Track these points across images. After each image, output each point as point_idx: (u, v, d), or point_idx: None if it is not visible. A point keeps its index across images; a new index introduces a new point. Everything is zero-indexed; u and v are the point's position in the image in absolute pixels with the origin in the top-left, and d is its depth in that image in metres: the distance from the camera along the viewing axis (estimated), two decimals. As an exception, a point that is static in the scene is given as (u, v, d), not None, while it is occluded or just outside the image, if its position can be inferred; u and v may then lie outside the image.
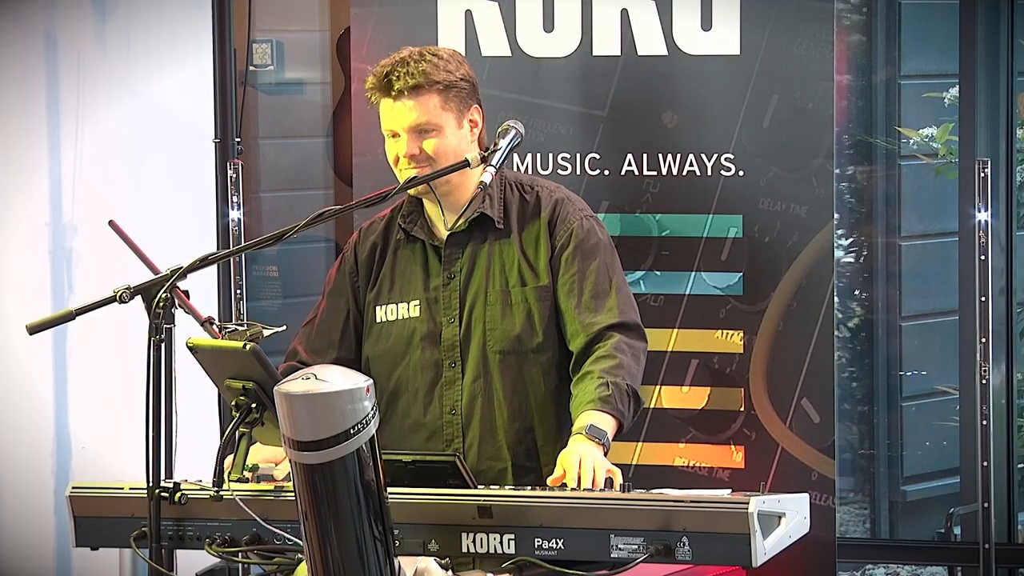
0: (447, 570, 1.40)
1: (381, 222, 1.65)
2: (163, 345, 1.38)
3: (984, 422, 1.99)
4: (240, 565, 2.08)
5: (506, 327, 1.58)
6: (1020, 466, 2.23)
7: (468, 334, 1.58)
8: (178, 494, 1.40)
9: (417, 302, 1.60)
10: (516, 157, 1.97)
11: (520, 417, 1.59)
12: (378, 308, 1.62)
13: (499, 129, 1.59)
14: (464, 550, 1.37)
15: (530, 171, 1.98)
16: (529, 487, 1.46)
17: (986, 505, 1.98)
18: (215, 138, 2.25)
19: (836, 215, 1.96)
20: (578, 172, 1.96)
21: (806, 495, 1.40)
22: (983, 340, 1.98)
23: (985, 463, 1.98)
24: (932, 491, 2.47)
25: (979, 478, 1.99)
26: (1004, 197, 2.18)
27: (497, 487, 1.45)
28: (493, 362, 1.58)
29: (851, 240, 2.44)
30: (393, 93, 1.56)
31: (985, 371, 1.98)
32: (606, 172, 1.96)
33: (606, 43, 1.94)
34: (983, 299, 1.99)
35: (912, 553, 2.30)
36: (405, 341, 1.60)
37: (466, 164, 1.56)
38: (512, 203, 1.61)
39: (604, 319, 1.56)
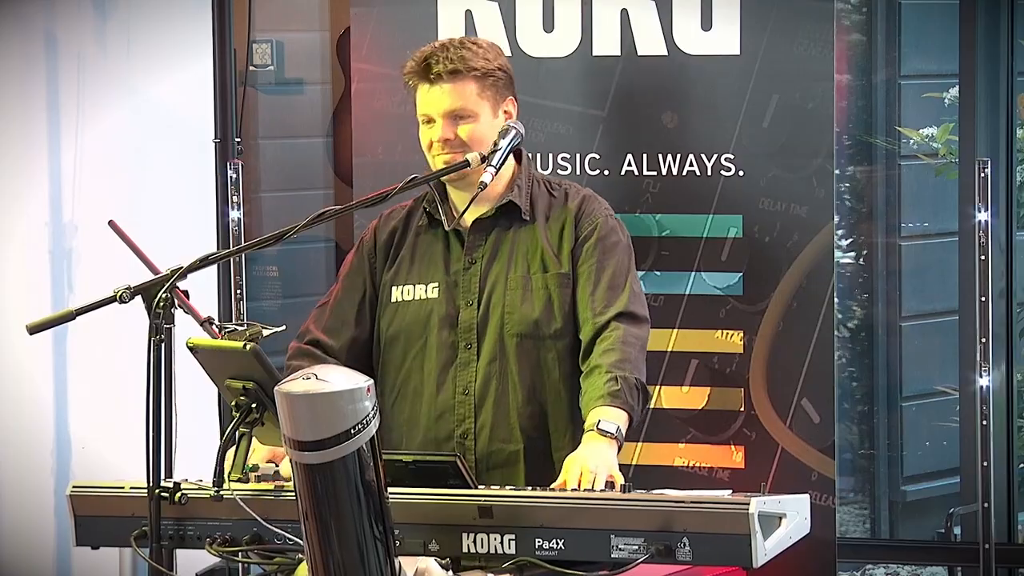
0: (447, 570, 1.40)
1: (403, 210, 1.66)
2: (163, 345, 1.38)
3: (984, 422, 1.99)
4: (240, 565, 2.08)
5: (525, 311, 1.58)
6: (1020, 466, 2.23)
7: (486, 317, 1.58)
8: (178, 494, 1.40)
9: (436, 284, 1.60)
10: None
11: (534, 401, 1.58)
12: (395, 288, 1.62)
13: (499, 129, 1.59)
14: (464, 550, 1.37)
15: (530, 171, 1.99)
16: (530, 487, 1.46)
17: (986, 505, 1.98)
18: (215, 138, 2.24)
19: (836, 215, 1.95)
20: (578, 172, 1.96)
21: (806, 496, 1.41)
22: (983, 340, 1.98)
23: (985, 463, 1.98)
24: (932, 491, 2.47)
25: (979, 478, 1.99)
26: (1004, 197, 2.17)
27: (498, 487, 1.45)
28: (510, 345, 1.58)
29: (851, 240, 2.44)
30: (431, 77, 1.56)
31: (985, 371, 1.98)
32: (606, 172, 1.96)
33: (606, 43, 1.94)
34: (983, 299, 1.99)
35: (912, 553, 2.30)
36: (422, 322, 1.60)
37: (466, 164, 1.56)
38: (539, 197, 1.62)
39: (614, 309, 1.57)
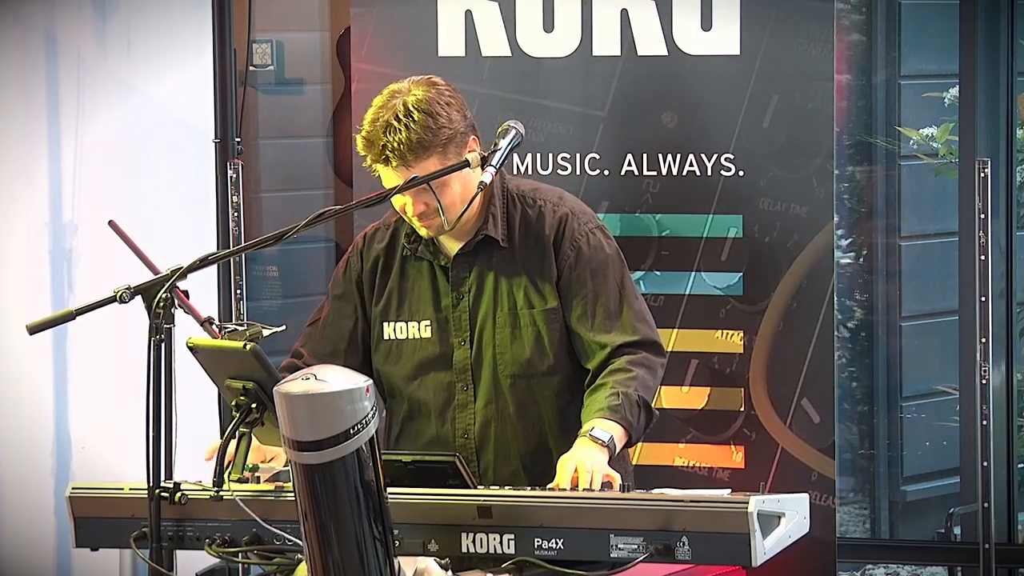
0: (447, 570, 1.40)
1: (386, 231, 1.62)
2: (163, 345, 1.38)
3: (984, 422, 1.99)
4: (240, 565, 2.08)
5: (516, 351, 1.57)
6: (1020, 466, 2.23)
7: (479, 357, 1.58)
8: (178, 494, 1.39)
9: (428, 322, 1.58)
10: (516, 157, 1.95)
11: (535, 438, 1.58)
12: (386, 324, 1.60)
13: (499, 129, 1.57)
14: (464, 550, 1.37)
15: (530, 171, 1.97)
16: (529, 487, 1.46)
17: (986, 505, 1.98)
18: (215, 138, 2.24)
19: (836, 215, 1.95)
20: (578, 172, 1.96)
21: (806, 495, 1.41)
22: (983, 340, 1.98)
23: (985, 463, 1.99)
24: (932, 491, 2.47)
25: (979, 478, 1.99)
26: (1004, 197, 2.17)
27: (497, 487, 1.45)
28: (505, 386, 1.57)
29: (851, 240, 2.44)
30: (392, 166, 1.51)
31: (985, 371, 1.98)
32: (606, 172, 1.95)
33: (606, 43, 1.94)
34: (983, 299, 1.99)
35: (912, 553, 2.30)
36: (417, 362, 1.59)
37: (466, 164, 1.54)
38: (515, 219, 1.58)
39: (618, 338, 1.55)
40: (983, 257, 1.99)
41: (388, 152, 1.51)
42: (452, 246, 1.59)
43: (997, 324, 2.07)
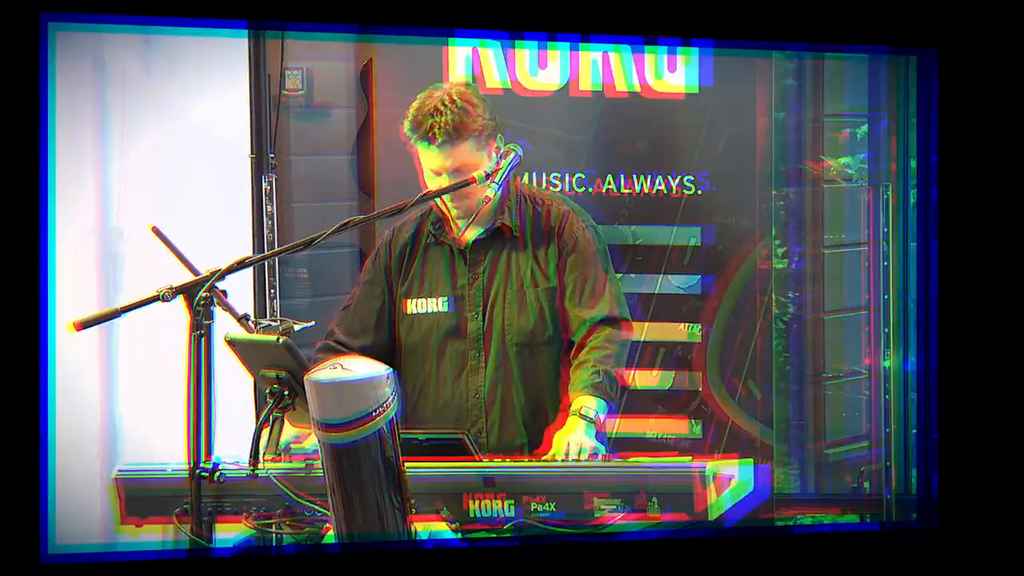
0: (457, 532, 1.32)
1: (411, 225, 1.66)
2: (203, 340, 1.26)
3: (886, 396, 1.99)
4: (274, 538, 1.96)
5: (522, 323, 1.62)
6: (913, 431, 2.22)
7: (489, 328, 1.62)
8: (216, 474, 1.30)
9: (445, 298, 1.63)
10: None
11: (533, 400, 1.63)
12: (409, 301, 1.64)
13: (502, 150, 1.56)
14: (471, 514, 1.34)
15: (525, 188, 1.92)
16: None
17: (888, 464, 1.96)
18: (251, 154, 2.11)
19: (774, 228, 1.93)
20: (567, 190, 1.91)
21: (751, 459, 1.41)
22: (885, 330, 1.97)
23: (888, 430, 1.97)
24: (847, 453, 2.46)
25: (884, 442, 1.97)
26: (902, 214, 2.16)
27: (501, 454, 1.46)
28: (511, 353, 1.62)
29: (785, 249, 2.42)
30: (436, 144, 1.56)
31: (887, 356, 1.96)
32: (590, 189, 1.91)
33: (589, 81, 1.89)
34: (885, 297, 1.98)
35: (833, 504, 2.28)
36: (436, 333, 1.63)
37: (466, 184, 1.53)
38: (526, 215, 1.65)
39: (599, 312, 1.61)
40: (886, 263, 1.99)
41: (436, 130, 1.58)
42: (470, 234, 1.63)
43: (896, 318, 2.05)
